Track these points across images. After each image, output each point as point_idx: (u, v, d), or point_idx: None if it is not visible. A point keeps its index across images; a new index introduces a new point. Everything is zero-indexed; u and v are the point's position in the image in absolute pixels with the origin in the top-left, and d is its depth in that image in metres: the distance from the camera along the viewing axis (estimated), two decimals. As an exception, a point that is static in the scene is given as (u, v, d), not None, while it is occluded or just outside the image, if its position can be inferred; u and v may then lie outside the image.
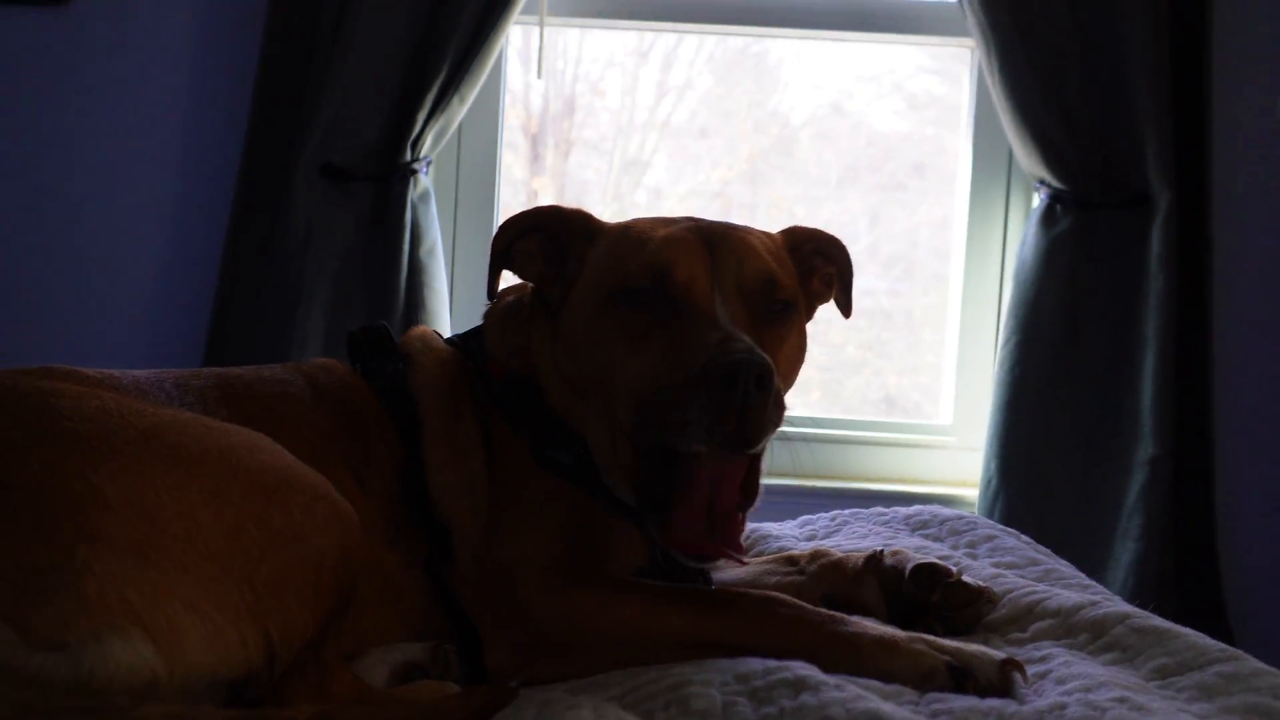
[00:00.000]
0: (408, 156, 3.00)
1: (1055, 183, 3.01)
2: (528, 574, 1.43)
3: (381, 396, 1.57)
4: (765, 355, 1.35)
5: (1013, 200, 3.27)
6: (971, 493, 3.15)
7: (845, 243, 1.69)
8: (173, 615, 1.10)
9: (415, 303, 2.97)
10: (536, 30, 3.20)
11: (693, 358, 1.36)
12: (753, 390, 1.32)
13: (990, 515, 2.93)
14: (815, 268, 1.67)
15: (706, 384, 1.32)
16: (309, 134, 2.95)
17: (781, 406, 1.39)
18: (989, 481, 3.01)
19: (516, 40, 3.42)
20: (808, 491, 3.05)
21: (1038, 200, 3.09)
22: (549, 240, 1.58)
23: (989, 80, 3.03)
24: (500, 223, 3.28)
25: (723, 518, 1.40)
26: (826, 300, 1.70)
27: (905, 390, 3.67)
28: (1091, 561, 2.79)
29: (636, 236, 1.52)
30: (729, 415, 1.33)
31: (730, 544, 1.40)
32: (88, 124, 3.14)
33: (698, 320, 1.41)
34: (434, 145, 3.05)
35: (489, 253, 1.61)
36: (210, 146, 3.12)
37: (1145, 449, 2.90)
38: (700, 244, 1.48)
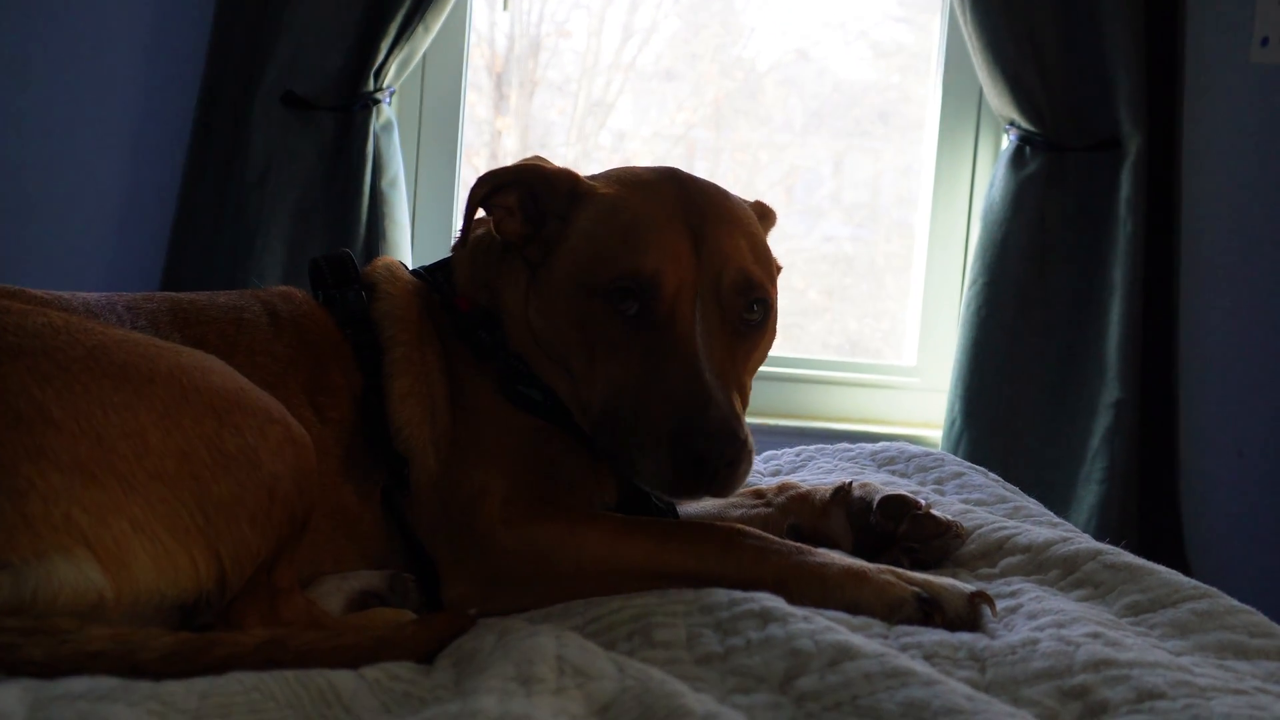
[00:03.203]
0: (370, 86, 2.94)
1: (1025, 124, 2.99)
2: (489, 506, 1.40)
3: (343, 325, 1.53)
4: (739, 426, 1.33)
5: (981, 145, 3.24)
6: (935, 433, 3.15)
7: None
8: (120, 536, 1.06)
9: (376, 234, 2.92)
10: (502, -37, 3.14)
11: (665, 399, 1.34)
12: (721, 470, 1.31)
13: (954, 455, 2.93)
14: None
15: (672, 457, 1.31)
16: (270, 62, 2.90)
17: (749, 462, 1.36)
18: (953, 422, 3.01)
19: (482, -22, 3.37)
20: (770, 430, 3.04)
21: (1007, 142, 3.07)
22: (530, 197, 1.52)
23: (960, 20, 3.01)
24: (465, 158, 3.29)
25: None
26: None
27: (867, 335, 3.66)
28: (1055, 502, 2.80)
29: (627, 220, 1.45)
30: (690, 483, 1.33)
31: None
32: (46, 49, 3.05)
33: (678, 349, 1.38)
34: (397, 75, 3.00)
35: (463, 196, 1.57)
36: (170, 73, 3.05)
37: (1110, 392, 2.90)
38: (689, 245, 1.43)
